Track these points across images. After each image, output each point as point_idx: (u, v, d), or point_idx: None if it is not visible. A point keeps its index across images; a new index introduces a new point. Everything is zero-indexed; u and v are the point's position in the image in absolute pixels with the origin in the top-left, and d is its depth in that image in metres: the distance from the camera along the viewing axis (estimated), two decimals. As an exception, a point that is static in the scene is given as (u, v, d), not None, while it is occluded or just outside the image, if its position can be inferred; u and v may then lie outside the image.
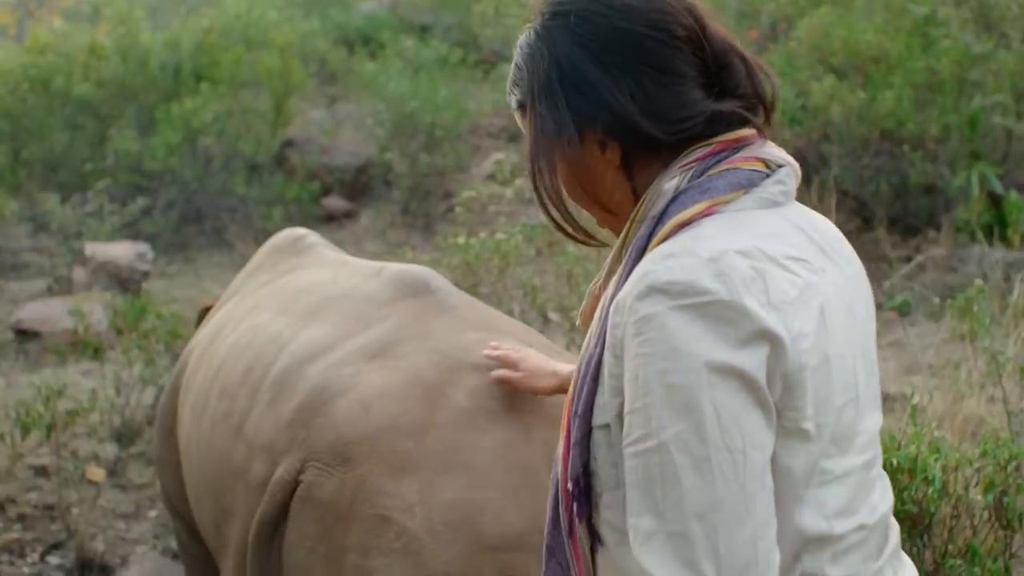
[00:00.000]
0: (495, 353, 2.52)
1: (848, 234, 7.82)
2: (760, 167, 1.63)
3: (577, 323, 1.88)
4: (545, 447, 2.45)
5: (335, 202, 11.02)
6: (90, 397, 5.43)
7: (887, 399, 5.92)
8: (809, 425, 1.50)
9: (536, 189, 1.68)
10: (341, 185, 11.18)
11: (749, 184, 1.60)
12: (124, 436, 5.93)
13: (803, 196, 7.91)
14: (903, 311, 7.62)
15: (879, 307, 7.72)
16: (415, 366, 2.60)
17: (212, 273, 9.82)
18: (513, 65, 1.75)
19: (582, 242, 1.78)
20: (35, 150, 11.11)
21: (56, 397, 5.02)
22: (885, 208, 8.80)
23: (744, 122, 1.65)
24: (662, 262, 1.49)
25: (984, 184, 8.42)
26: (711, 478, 1.42)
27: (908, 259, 8.39)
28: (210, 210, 10.60)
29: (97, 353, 6.41)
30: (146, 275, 8.77)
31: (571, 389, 1.62)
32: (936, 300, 6.76)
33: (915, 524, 3.18)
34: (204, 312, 4.18)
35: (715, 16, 1.69)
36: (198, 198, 10.59)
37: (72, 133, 11.12)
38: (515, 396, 2.52)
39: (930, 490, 3.11)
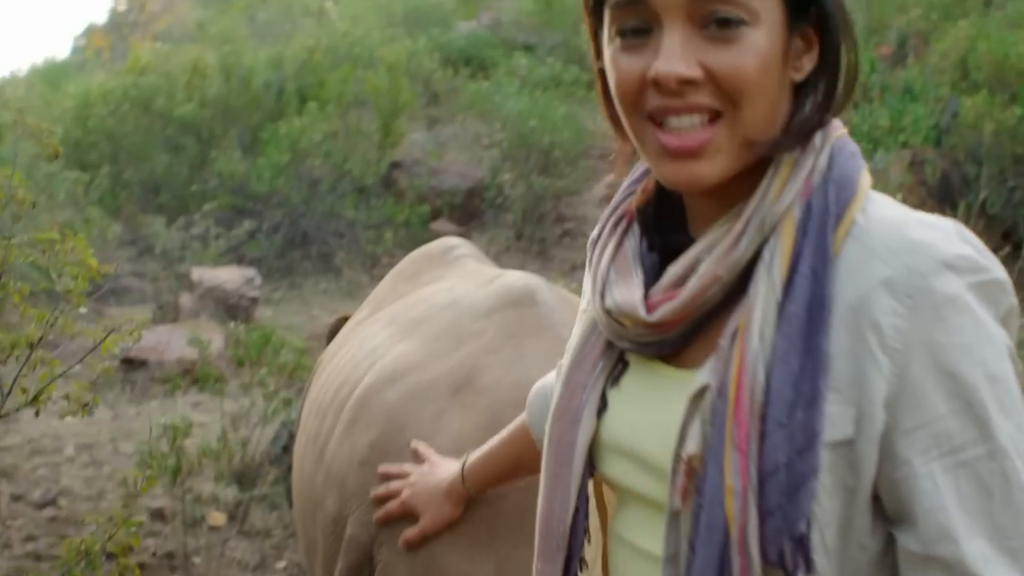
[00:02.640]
0: (380, 492, 2.27)
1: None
2: None
3: (654, 316, 1.32)
4: None
5: (445, 226, 10.57)
6: (219, 437, 5.00)
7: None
8: None
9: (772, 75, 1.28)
10: (451, 208, 10.75)
11: None
12: (245, 477, 5.50)
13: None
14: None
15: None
16: (495, 404, 2.33)
17: (320, 300, 9.43)
18: None
19: (719, 174, 1.31)
20: (136, 172, 10.83)
21: (182, 436, 4.59)
22: (1037, 233, 8.19)
23: None
24: (929, 231, 1.23)
25: None
26: None
27: (1067, 288, 7.76)
28: (317, 234, 10.21)
29: (216, 384, 6.02)
30: (255, 301, 8.39)
31: (745, 396, 1.22)
32: None
33: None
34: (340, 321, 3.89)
35: None
36: (304, 221, 10.21)
37: (174, 154, 10.83)
38: None
39: None
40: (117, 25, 24.37)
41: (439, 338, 2.63)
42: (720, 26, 1.23)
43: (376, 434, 2.44)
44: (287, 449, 5.61)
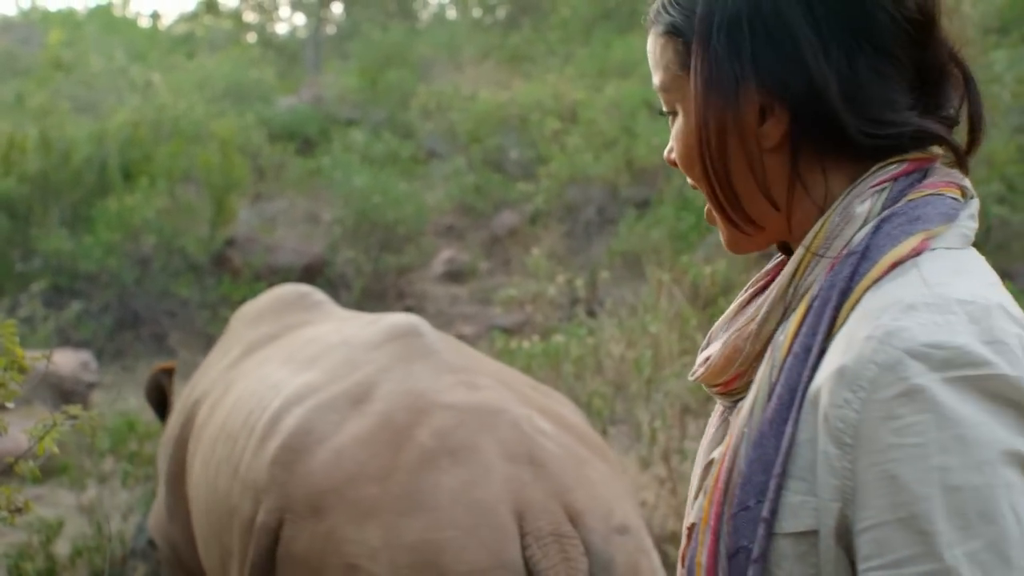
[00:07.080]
0: None
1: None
2: (958, 195, 1.26)
3: (693, 377, 1.38)
4: (506, 484, 2.57)
5: (281, 304, 10.28)
6: (95, 533, 4.65)
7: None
8: None
9: (704, 157, 1.29)
10: (286, 286, 10.45)
11: (953, 215, 1.24)
12: (109, 576, 5.14)
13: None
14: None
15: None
16: (388, 408, 2.77)
17: (156, 383, 8.98)
18: None
19: (742, 243, 1.35)
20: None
21: (54, 535, 4.25)
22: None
23: (934, 143, 1.30)
24: (908, 316, 1.12)
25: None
26: None
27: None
28: (148, 314, 9.78)
29: (64, 475, 5.63)
30: (91, 387, 7.96)
31: (724, 475, 1.23)
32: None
33: None
34: (159, 373, 4.32)
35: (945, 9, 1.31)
36: (135, 301, 9.77)
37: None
38: (479, 433, 2.65)
39: None
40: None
41: (337, 368, 3.04)
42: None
43: (283, 438, 2.80)
44: (152, 542, 5.29)
